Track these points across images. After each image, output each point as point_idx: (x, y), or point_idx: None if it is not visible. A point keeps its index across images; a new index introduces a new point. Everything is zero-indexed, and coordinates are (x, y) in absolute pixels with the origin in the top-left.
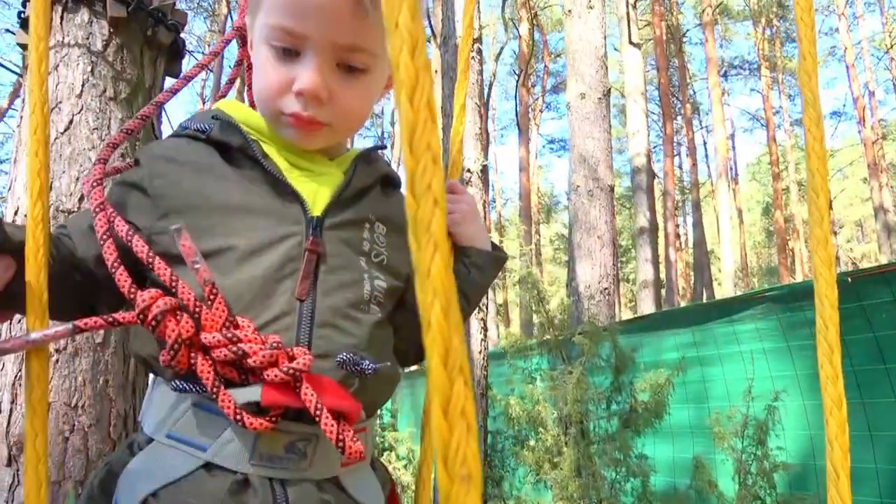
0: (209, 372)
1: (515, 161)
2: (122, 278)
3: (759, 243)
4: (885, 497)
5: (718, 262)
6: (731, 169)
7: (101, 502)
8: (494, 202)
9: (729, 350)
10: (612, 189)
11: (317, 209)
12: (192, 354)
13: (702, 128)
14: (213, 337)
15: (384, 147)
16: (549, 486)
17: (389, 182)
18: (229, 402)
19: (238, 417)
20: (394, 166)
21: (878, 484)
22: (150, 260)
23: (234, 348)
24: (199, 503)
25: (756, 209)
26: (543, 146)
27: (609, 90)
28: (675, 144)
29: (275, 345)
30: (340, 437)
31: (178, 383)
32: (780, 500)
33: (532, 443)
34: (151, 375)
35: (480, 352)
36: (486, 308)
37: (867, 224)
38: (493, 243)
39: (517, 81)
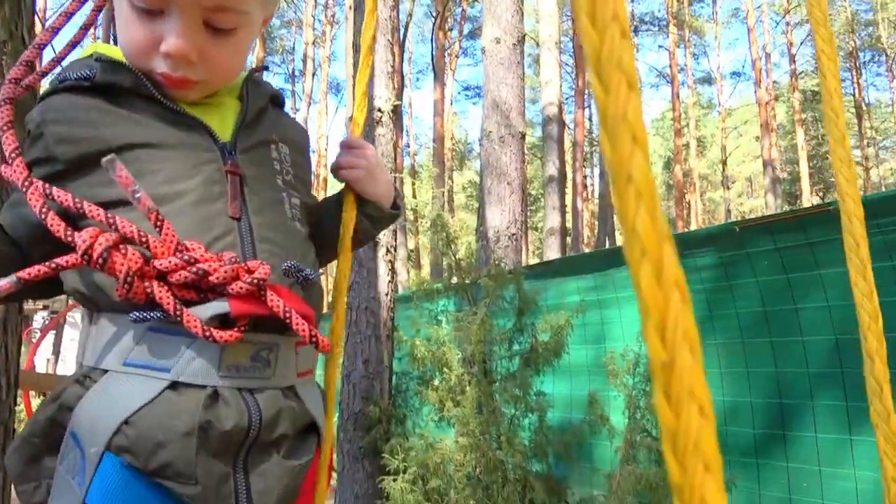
0: (168, 297)
1: (430, 106)
2: (55, 223)
3: (659, 195)
4: (758, 427)
5: None
6: None
7: (45, 438)
8: (409, 147)
9: (626, 294)
10: (523, 136)
11: (225, 135)
12: (147, 284)
13: None
14: (170, 262)
15: (266, 68)
16: (452, 424)
17: (278, 102)
18: (195, 320)
19: (207, 333)
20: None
21: (752, 416)
22: (79, 205)
23: (194, 269)
24: (177, 422)
25: (658, 163)
26: (459, 92)
27: (524, 36)
28: (586, 96)
29: (233, 260)
30: (312, 333)
31: (137, 314)
32: None
33: (436, 383)
34: (82, 311)
35: (388, 294)
36: (395, 251)
37: (756, 181)
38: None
39: (434, 24)
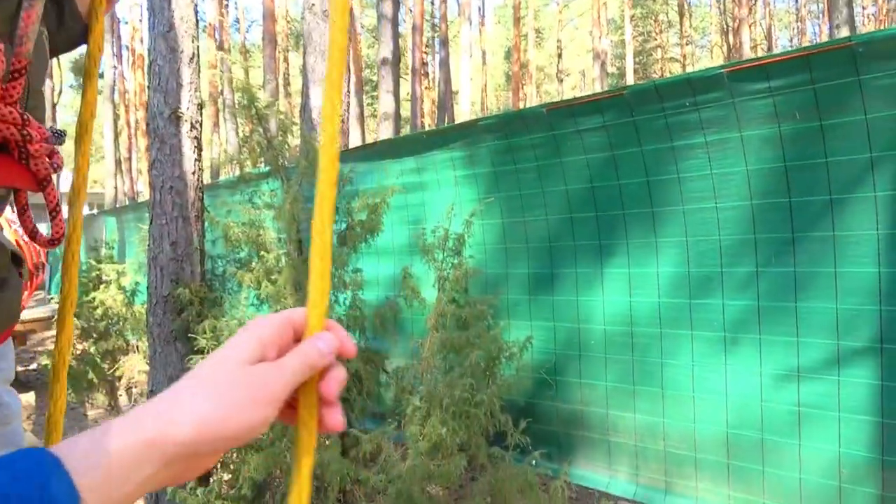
0: None
1: None
2: None
3: (499, 86)
4: (534, 269)
5: None
6: (479, 9)
7: None
8: (238, 24)
9: (446, 175)
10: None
11: None
12: None
13: None
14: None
15: None
16: (268, 303)
17: None
18: None
19: None
20: None
21: (528, 259)
22: None
23: (24, 132)
24: None
25: (499, 52)
26: None
27: None
28: None
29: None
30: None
31: None
32: (469, 300)
33: (254, 264)
34: None
35: (194, 172)
36: (200, 126)
37: (589, 74)
38: None
39: None
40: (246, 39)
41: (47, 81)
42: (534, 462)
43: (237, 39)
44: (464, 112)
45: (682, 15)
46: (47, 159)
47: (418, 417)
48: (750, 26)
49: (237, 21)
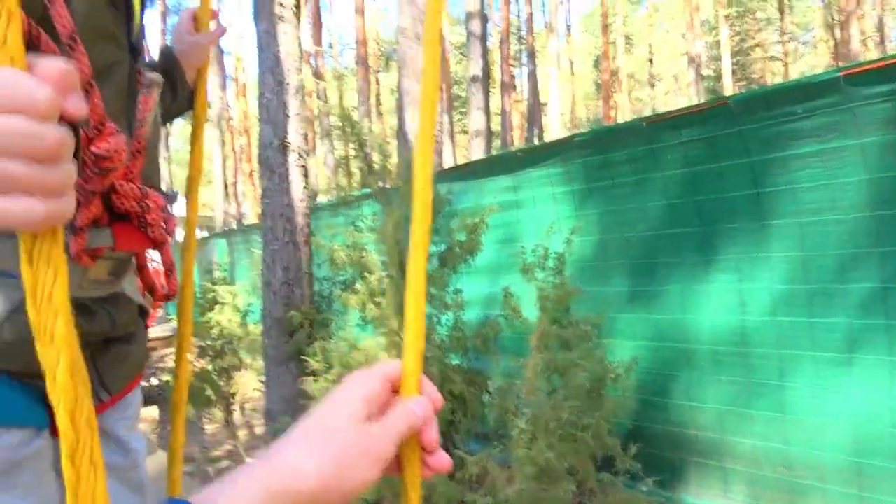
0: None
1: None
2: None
3: (589, 95)
4: (635, 286)
5: None
6: (566, 20)
7: None
8: (332, 47)
9: (542, 192)
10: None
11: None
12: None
13: None
14: (130, 187)
15: None
16: (375, 326)
17: None
18: (83, 242)
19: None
20: None
21: (631, 273)
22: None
23: (143, 203)
24: None
25: (588, 61)
26: None
27: None
28: None
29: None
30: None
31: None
32: (572, 321)
33: (358, 286)
34: None
35: (303, 199)
36: (307, 155)
37: (682, 78)
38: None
39: None
40: (339, 64)
41: None
42: (644, 489)
43: (331, 64)
44: (553, 124)
45: (782, 11)
46: (163, 224)
47: (524, 440)
48: (858, 18)
49: (330, 46)
